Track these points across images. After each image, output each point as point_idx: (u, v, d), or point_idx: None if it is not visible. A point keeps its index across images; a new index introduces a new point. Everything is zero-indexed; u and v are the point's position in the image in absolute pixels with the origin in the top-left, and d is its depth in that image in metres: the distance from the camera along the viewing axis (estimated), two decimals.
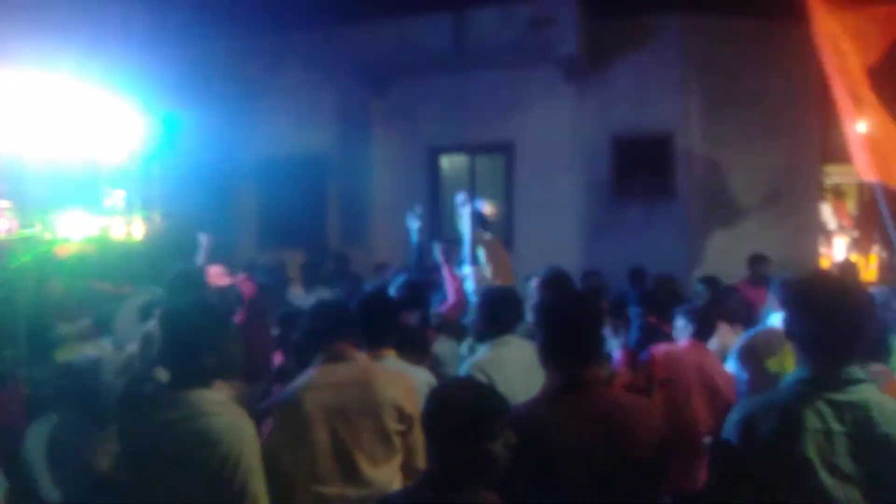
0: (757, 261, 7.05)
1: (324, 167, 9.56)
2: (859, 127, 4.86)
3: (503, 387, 2.62)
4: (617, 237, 8.37)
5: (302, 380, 2.59)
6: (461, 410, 1.67)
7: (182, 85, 7.86)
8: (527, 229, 8.71)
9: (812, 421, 1.74)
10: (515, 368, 2.86)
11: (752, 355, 3.48)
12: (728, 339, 4.29)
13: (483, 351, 3.06)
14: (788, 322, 1.94)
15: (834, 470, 1.70)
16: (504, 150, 8.99)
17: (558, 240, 8.43)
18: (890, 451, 1.71)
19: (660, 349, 3.64)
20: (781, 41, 8.48)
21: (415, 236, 5.05)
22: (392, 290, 4.04)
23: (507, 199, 9.04)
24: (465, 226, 5.09)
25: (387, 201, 9.08)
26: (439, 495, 1.66)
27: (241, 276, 4.91)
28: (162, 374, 2.71)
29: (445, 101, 9.03)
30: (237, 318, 4.19)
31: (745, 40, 8.37)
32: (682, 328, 3.67)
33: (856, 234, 14.33)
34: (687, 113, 8.27)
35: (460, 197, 5.31)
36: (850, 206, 11.46)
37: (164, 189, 8.46)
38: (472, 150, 9.21)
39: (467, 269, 5.00)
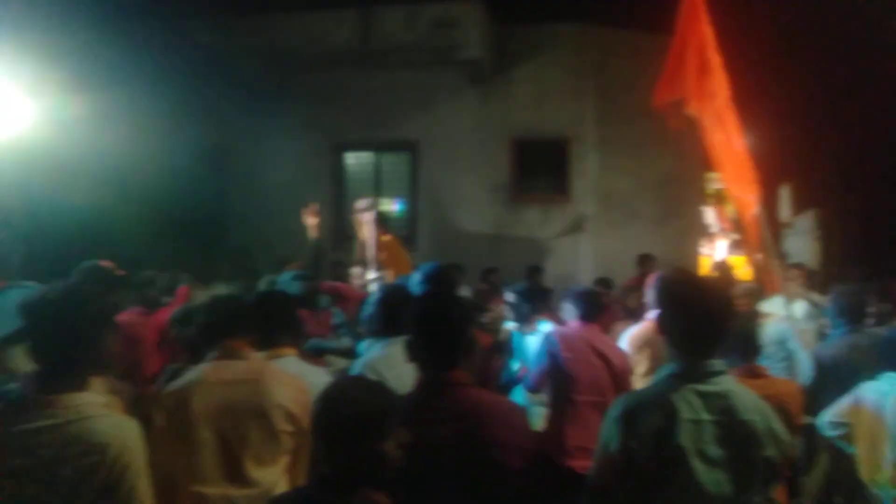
0: (644, 260, 7.51)
1: (223, 160, 9.31)
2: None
3: (394, 385, 2.64)
4: (517, 236, 8.67)
5: (190, 376, 2.51)
6: (350, 410, 1.62)
7: (72, 72, 7.43)
8: (431, 227, 8.86)
9: (684, 411, 1.84)
10: (408, 367, 2.82)
11: (641, 346, 3.80)
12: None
13: (377, 349, 3.00)
14: (660, 319, 2.06)
15: (703, 456, 1.82)
16: (409, 148, 9.10)
17: (461, 238, 8.63)
18: (749, 435, 1.86)
19: (557, 331, 3.82)
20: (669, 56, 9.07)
21: (312, 233, 4.99)
22: (283, 287, 4.00)
23: (411, 197, 9.16)
24: (367, 231, 5.07)
25: (290, 197, 8.93)
26: (329, 496, 1.62)
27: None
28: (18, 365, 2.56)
29: (351, 97, 9.02)
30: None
31: (637, 53, 8.86)
32: (569, 311, 3.90)
33: (735, 236, 15.46)
34: (583, 119, 8.68)
35: (362, 203, 5.27)
36: (730, 210, 12.37)
37: (47, 181, 7.97)
38: (377, 147, 9.26)
39: (371, 275, 5.02)
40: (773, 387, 2.92)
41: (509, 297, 4.36)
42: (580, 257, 8.48)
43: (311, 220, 4.99)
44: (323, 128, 9.12)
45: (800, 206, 17.00)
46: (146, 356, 4.04)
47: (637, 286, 6.14)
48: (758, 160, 5.19)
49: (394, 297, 3.09)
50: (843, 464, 3.66)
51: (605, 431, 1.92)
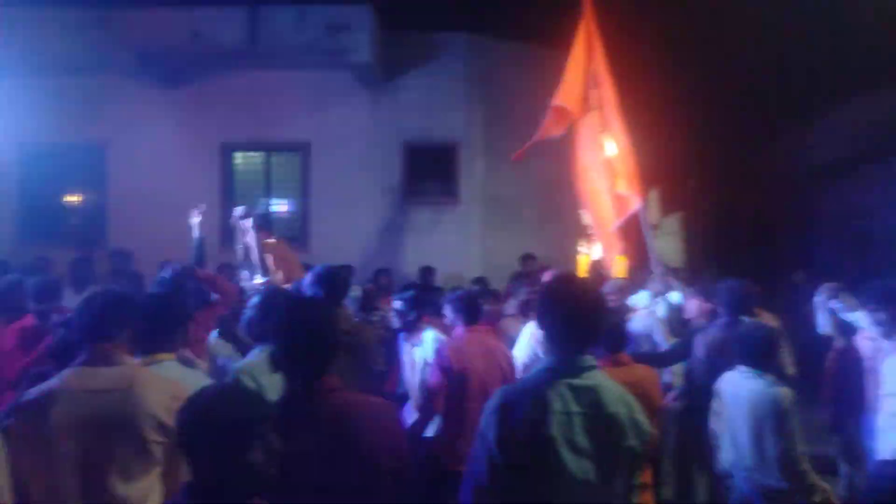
0: (526, 259, 7.95)
1: (101, 159, 8.85)
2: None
3: (271, 391, 2.56)
4: (408, 237, 8.88)
5: (51, 384, 2.28)
6: (214, 421, 1.56)
7: None
8: (322, 229, 8.87)
9: (556, 404, 1.93)
10: None
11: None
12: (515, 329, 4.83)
13: (254, 354, 2.96)
14: (538, 316, 2.17)
15: (572, 446, 1.91)
16: (300, 149, 9.06)
17: (353, 239, 8.71)
18: (615, 427, 1.96)
19: (447, 342, 3.91)
20: (552, 67, 9.59)
21: (196, 232, 4.88)
22: (156, 287, 3.90)
23: (303, 199, 9.12)
24: (250, 239, 4.98)
25: (175, 197, 8.64)
26: None
27: None
28: None
29: (240, 97, 8.85)
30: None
31: (521, 63, 9.32)
32: (453, 318, 4.01)
33: (610, 236, 16.36)
34: (471, 125, 9.02)
35: (238, 210, 5.17)
36: (606, 213, 13.18)
37: None
38: (267, 147, 9.15)
39: (260, 279, 4.96)
40: (634, 373, 3.26)
41: (396, 304, 4.39)
42: (468, 258, 8.81)
43: (194, 219, 4.88)
44: (211, 127, 8.88)
45: (667, 208, 18.38)
46: (4, 362, 3.87)
47: (522, 283, 6.49)
48: (635, 165, 5.66)
49: (271, 302, 3.05)
50: (694, 444, 4.11)
51: (483, 423, 1.98)
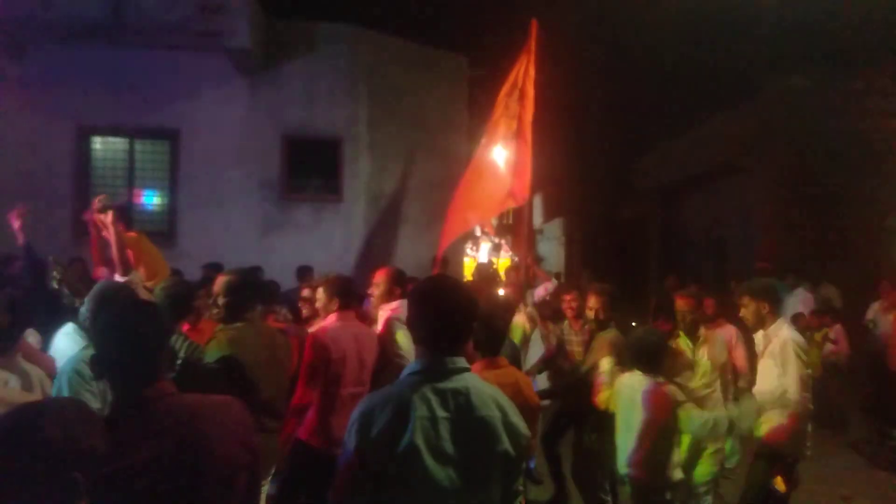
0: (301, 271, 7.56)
1: None
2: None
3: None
4: (287, 234, 8.47)
5: None
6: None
7: None
8: (192, 223, 8.26)
9: (420, 409, 1.82)
10: None
11: None
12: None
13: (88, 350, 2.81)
14: (408, 317, 2.06)
15: (438, 454, 1.79)
16: (168, 136, 8.40)
17: (226, 235, 8.19)
18: (484, 431, 1.87)
19: (324, 331, 3.78)
20: (440, 69, 9.57)
21: (19, 238, 4.43)
22: None
23: (170, 190, 8.46)
24: (108, 232, 4.54)
25: (22, 184, 7.76)
26: None
27: None
28: None
29: (100, 76, 8.08)
30: None
31: (406, 61, 9.20)
32: (327, 305, 3.92)
33: (497, 240, 16.85)
34: (355, 121, 8.76)
35: (96, 204, 4.68)
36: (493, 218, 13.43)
37: None
38: (130, 133, 8.41)
39: (118, 277, 4.52)
40: (511, 375, 3.20)
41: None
42: (350, 256, 8.55)
43: (16, 223, 4.40)
44: (67, 107, 8.04)
45: (549, 213, 18.99)
46: None
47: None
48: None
49: (107, 295, 2.94)
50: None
51: (346, 435, 1.87)
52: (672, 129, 13.76)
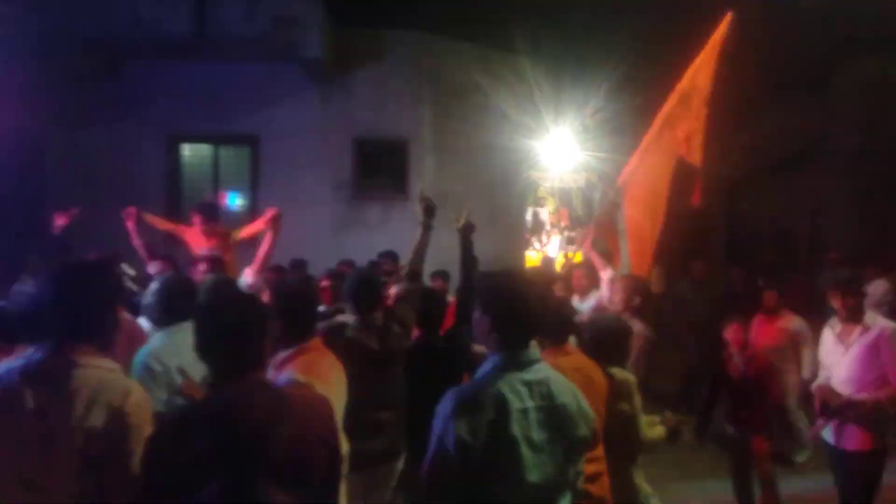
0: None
1: (41, 152, 8.56)
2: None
3: (177, 375, 2.72)
4: (358, 232, 8.91)
5: None
6: None
7: None
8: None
9: (514, 401, 1.92)
10: (192, 355, 2.53)
11: None
12: None
13: (158, 338, 2.99)
14: (479, 315, 2.10)
15: (530, 443, 1.90)
16: (249, 142, 8.99)
17: (303, 233, 8.67)
18: (566, 417, 2.00)
19: None
20: (500, 69, 9.80)
21: (134, 237, 4.86)
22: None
23: (252, 192, 9.05)
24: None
25: (119, 189, 8.44)
26: None
27: None
28: None
29: (187, 88, 8.71)
30: None
31: (470, 65, 9.47)
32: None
33: (573, 233, 16.53)
34: (420, 123, 9.13)
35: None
36: (552, 208, 13.40)
37: None
38: (215, 140, 9.03)
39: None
40: (580, 361, 3.43)
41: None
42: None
43: (129, 224, 4.88)
44: (157, 119, 8.72)
45: None
46: None
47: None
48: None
49: (172, 286, 3.13)
50: None
51: (438, 427, 1.92)
52: (738, 119, 13.43)
